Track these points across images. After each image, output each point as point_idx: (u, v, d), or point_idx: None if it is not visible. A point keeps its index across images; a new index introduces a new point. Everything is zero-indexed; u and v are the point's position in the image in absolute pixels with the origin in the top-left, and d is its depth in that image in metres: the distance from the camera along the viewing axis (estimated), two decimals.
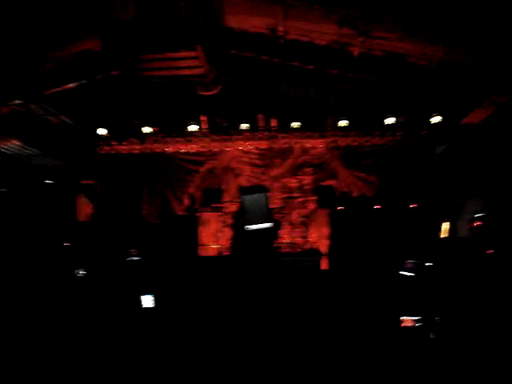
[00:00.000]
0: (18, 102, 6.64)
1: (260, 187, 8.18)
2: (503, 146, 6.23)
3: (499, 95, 6.07)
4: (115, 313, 5.51)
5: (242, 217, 8.04)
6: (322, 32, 5.95)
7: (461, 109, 6.98)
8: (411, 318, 4.27)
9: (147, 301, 5.82)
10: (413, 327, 4.03)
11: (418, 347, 3.97)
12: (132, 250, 6.80)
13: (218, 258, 7.96)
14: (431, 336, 3.45)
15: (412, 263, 5.74)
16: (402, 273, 5.87)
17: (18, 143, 7.14)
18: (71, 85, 6.74)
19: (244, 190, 8.21)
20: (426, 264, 5.44)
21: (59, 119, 7.60)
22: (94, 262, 6.57)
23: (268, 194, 8.74)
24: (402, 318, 4.40)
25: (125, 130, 8.20)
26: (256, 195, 7.82)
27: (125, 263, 6.71)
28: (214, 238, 8.50)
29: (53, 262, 6.23)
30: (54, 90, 6.84)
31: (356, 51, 6.16)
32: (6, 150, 7.25)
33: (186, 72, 6.53)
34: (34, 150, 7.38)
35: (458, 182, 7.46)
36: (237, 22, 6.13)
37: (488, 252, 5.64)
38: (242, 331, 5.14)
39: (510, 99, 6.00)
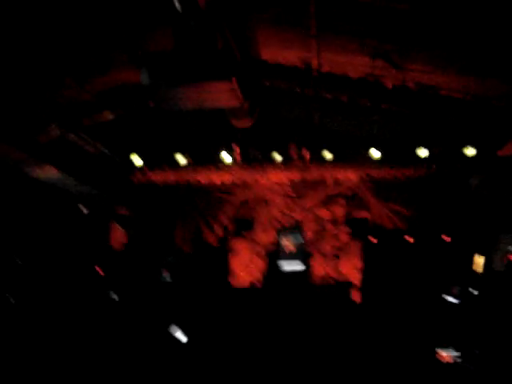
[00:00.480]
0: (56, 131, 6.81)
1: (296, 227, 8.18)
2: None
3: None
4: (143, 338, 5.53)
5: (277, 256, 8.05)
6: (356, 64, 5.99)
7: (496, 141, 6.91)
8: (450, 352, 4.21)
9: (177, 333, 5.84)
10: (451, 362, 3.96)
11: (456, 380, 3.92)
12: (164, 270, 6.86)
13: (249, 289, 7.94)
14: (470, 367, 3.38)
15: (457, 289, 5.67)
16: (446, 297, 5.81)
17: (54, 171, 7.29)
18: (109, 116, 6.90)
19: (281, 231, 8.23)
20: (472, 291, 5.38)
21: (95, 148, 7.75)
22: (126, 288, 6.62)
23: (301, 226, 8.77)
24: (439, 350, 4.35)
25: (159, 159, 8.34)
26: (292, 234, 7.84)
27: (156, 287, 6.73)
28: (245, 269, 8.49)
29: (86, 287, 6.30)
30: (92, 120, 7.03)
31: (389, 83, 6.18)
32: (44, 178, 7.42)
33: (221, 104, 6.63)
34: (71, 178, 7.53)
35: (494, 216, 7.34)
36: (271, 54, 6.22)
37: None
38: (269, 365, 5.12)
39: None
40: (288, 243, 8.03)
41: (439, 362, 4.26)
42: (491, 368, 3.75)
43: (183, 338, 5.73)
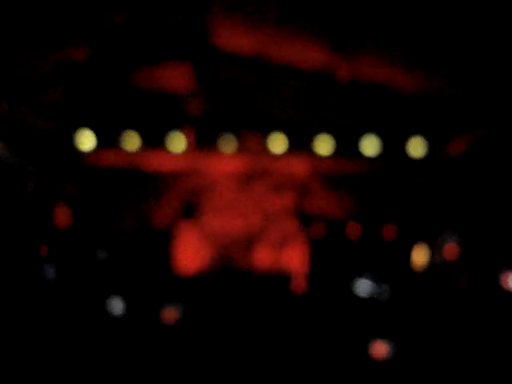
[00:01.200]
0: (5, 106, 6.65)
1: None
2: (479, 178, 6.33)
3: (477, 125, 6.20)
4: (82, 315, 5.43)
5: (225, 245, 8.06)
6: (309, 56, 6.07)
7: (442, 139, 7.10)
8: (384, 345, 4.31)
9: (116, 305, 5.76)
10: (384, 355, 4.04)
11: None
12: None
13: (194, 278, 7.91)
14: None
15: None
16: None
17: (0, 145, 7.12)
18: (57, 91, 6.77)
19: None
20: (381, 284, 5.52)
21: (44, 125, 7.59)
22: (66, 264, 6.52)
23: (250, 215, 8.83)
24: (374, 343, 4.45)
25: (109, 140, 8.22)
26: None
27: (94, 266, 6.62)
28: (191, 256, 8.47)
29: (27, 262, 6.18)
30: (40, 97, 6.88)
31: (341, 76, 6.28)
32: None
33: (175, 87, 6.60)
34: (18, 154, 7.37)
35: (437, 211, 7.54)
36: (226, 42, 6.24)
37: (461, 279, 5.71)
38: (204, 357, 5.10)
39: (485, 133, 6.12)
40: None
41: (372, 356, 4.34)
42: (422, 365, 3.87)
43: (119, 307, 5.68)
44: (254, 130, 8.25)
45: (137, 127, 8.17)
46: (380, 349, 4.28)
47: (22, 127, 7.29)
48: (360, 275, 6.47)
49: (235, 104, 7.67)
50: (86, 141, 7.93)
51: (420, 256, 6.76)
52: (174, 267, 7.76)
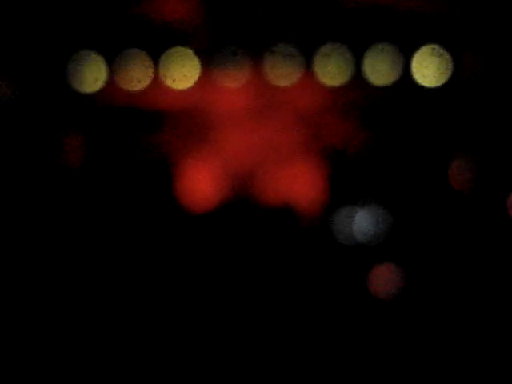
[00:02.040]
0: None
1: None
2: (492, 102, 6.14)
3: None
4: None
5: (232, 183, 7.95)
6: None
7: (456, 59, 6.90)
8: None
9: None
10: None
11: None
12: None
13: (202, 211, 7.88)
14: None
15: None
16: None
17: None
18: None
19: None
20: None
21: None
22: None
23: (258, 150, 8.66)
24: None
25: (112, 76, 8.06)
26: None
27: None
28: (198, 192, 8.39)
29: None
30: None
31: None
32: None
33: (179, 20, 6.42)
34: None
35: (448, 138, 7.36)
36: None
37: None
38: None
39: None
40: None
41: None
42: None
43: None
44: (261, 62, 8.03)
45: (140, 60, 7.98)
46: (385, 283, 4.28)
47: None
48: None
49: (243, 37, 7.45)
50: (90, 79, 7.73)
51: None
52: (181, 204, 7.69)
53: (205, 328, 4.34)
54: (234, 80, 7.15)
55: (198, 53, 6.99)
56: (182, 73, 6.86)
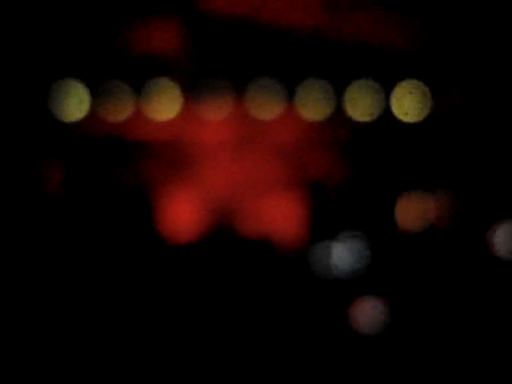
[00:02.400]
0: None
1: None
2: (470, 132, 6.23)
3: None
4: None
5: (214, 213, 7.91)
6: (298, 17, 5.94)
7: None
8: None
9: None
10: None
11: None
12: None
13: (183, 244, 7.80)
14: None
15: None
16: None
17: None
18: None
19: None
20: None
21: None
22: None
23: (239, 184, 8.67)
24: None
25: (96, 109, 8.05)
26: None
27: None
28: (180, 224, 8.33)
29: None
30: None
31: (332, 36, 6.14)
32: None
33: (162, 49, 6.45)
34: None
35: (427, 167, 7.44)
36: (214, 3, 6.10)
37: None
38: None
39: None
40: None
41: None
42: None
43: None
44: (243, 95, 8.08)
45: (124, 93, 7.99)
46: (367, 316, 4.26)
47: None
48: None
49: (226, 69, 7.50)
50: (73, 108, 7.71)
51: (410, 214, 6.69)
52: (163, 235, 7.61)
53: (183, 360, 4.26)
54: (215, 112, 7.19)
55: (180, 84, 7.03)
56: (164, 104, 6.88)
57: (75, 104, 6.87)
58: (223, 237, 7.31)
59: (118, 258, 6.06)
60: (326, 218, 7.96)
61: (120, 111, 7.18)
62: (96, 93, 6.95)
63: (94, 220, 6.89)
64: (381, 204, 7.42)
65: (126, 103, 7.00)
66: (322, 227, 7.58)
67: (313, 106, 7.07)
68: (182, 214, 7.49)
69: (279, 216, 7.58)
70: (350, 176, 7.75)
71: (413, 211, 6.79)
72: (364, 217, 7.50)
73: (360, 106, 6.86)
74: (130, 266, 5.99)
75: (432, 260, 5.37)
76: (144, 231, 7.17)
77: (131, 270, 5.89)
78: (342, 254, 5.85)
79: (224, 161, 8.13)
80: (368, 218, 7.40)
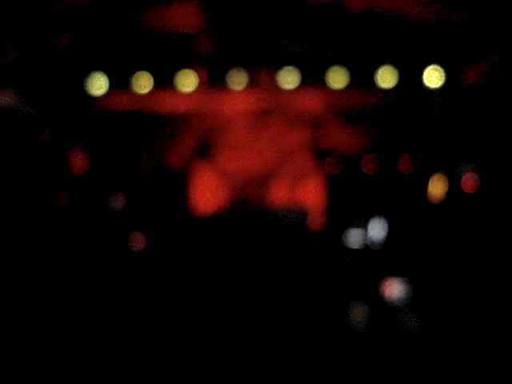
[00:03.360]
0: (13, 53, 6.57)
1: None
2: (497, 108, 6.20)
3: (493, 53, 6.02)
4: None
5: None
6: None
7: (458, 69, 6.94)
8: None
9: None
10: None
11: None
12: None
13: (210, 215, 7.93)
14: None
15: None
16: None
17: (11, 94, 7.08)
18: (64, 37, 6.66)
19: None
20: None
21: (55, 71, 7.52)
22: (86, 213, 6.56)
23: (264, 152, 8.82)
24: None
25: (120, 83, 8.17)
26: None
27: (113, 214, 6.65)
28: (208, 197, 8.48)
29: (47, 212, 6.23)
30: (49, 43, 6.77)
31: (356, 8, 6.09)
32: (1, 103, 7.19)
33: (183, 26, 6.45)
34: (29, 101, 7.32)
35: (454, 144, 7.44)
36: None
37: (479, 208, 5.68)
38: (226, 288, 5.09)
39: (503, 58, 5.96)
40: None
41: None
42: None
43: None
44: (265, 66, 8.13)
45: (147, 68, 8.10)
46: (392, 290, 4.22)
47: (33, 74, 7.23)
48: (374, 213, 6.42)
49: (246, 40, 7.51)
50: (98, 85, 7.91)
51: (437, 188, 6.71)
52: (191, 208, 7.78)
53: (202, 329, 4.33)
54: (238, 83, 7.24)
55: (203, 57, 7.09)
56: (186, 77, 6.97)
57: (99, 82, 7.12)
58: (248, 204, 7.43)
59: (145, 229, 6.18)
60: (346, 186, 7.88)
61: (144, 85, 7.30)
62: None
63: (118, 190, 6.98)
64: (402, 173, 7.39)
65: (148, 79, 7.13)
66: (342, 196, 7.59)
67: (337, 76, 7.09)
68: (207, 184, 7.64)
69: (304, 184, 7.66)
70: (372, 146, 7.79)
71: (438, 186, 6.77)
72: (385, 185, 7.48)
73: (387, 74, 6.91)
74: (158, 238, 6.11)
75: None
76: (172, 202, 7.29)
77: (160, 242, 6.02)
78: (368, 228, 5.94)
79: (248, 129, 8.22)
80: (389, 185, 7.38)
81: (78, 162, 8.28)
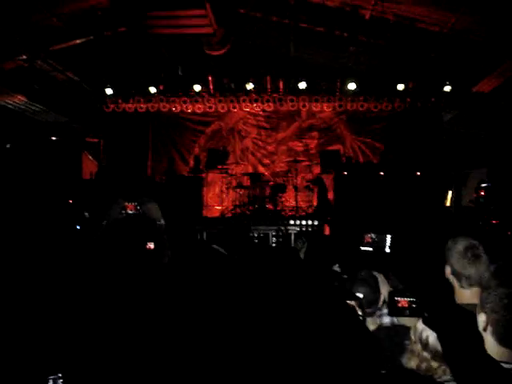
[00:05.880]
0: (23, 57, 6.58)
1: None
2: (510, 115, 6.17)
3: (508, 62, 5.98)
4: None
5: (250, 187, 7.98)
6: None
7: (471, 77, 6.90)
8: (406, 298, 4.14)
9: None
10: (408, 307, 3.87)
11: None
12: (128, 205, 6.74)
13: (221, 219, 7.88)
14: (425, 314, 3.35)
15: (371, 237, 5.68)
16: (362, 248, 5.82)
17: (22, 99, 7.09)
18: (78, 41, 6.67)
19: None
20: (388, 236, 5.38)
21: (65, 76, 7.53)
22: (96, 217, 6.55)
23: (273, 157, 8.84)
24: (396, 298, 4.25)
25: (131, 89, 8.17)
26: None
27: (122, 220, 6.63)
28: (217, 199, 8.45)
29: (56, 217, 6.24)
30: (61, 46, 6.79)
31: (367, 14, 6.07)
32: (11, 105, 7.21)
33: (194, 31, 6.44)
34: (39, 106, 7.35)
35: (465, 151, 7.41)
36: None
37: (493, 222, 5.63)
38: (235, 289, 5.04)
39: None
40: None
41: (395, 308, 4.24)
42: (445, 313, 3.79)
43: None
44: (276, 72, 8.12)
45: (159, 72, 8.11)
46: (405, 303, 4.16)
47: (43, 79, 7.26)
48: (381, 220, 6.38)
49: (257, 46, 7.51)
50: (109, 89, 7.92)
51: (449, 199, 6.69)
52: (202, 210, 7.72)
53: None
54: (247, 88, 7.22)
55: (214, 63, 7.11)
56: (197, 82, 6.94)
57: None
58: (258, 208, 7.39)
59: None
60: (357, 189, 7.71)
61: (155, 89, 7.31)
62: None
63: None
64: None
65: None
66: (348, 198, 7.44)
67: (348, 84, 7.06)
68: (219, 187, 7.63)
69: (312, 186, 7.61)
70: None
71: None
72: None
73: None
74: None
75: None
76: (184, 205, 7.22)
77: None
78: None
79: (257, 134, 8.21)
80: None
81: (89, 165, 8.32)
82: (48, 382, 2.29)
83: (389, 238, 5.62)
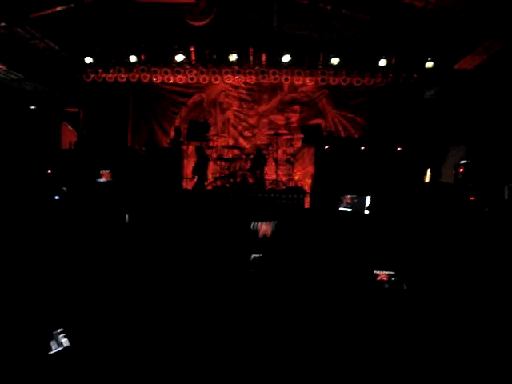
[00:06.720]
0: (2, 24, 6.44)
1: None
2: (492, 94, 6.20)
3: (497, 40, 5.98)
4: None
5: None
6: None
7: (453, 54, 6.90)
8: (385, 272, 4.20)
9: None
10: (388, 281, 3.94)
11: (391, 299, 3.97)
12: (103, 173, 6.66)
13: (201, 192, 7.86)
14: (404, 287, 3.41)
15: (351, 197, 5.75)
16: (341, 209, 5.87)
17: (1, 67, 6.95)
18: (58, 8, 6.53)
19: None
20: (367, 198, 5.40)
21: (45, 44, 7.38)
22: (73, 187, 6.50)
23: (255, 130, 8.80)
24: (376, 271, 4.30)
25: (112, 58, 8.06)
26: None
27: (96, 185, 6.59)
28: (198, 171, 8.42)
29: (34, 187, 6.18)
30: (41, 14, 6.64)
31: None
32: None
33: (177, 0, 6.35)
34: (18, 74, 7.22)
35: (445, 128, 7.45)
36: None
37: (471, 199, 5.68)
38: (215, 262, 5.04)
39: (504, 47, 5.94)
40: None
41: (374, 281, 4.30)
42: (425, 287, 3.85)
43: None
44: (259, 44, 8.06)
45: (140, 41, 8.00)
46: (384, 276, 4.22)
47: (22, 47, 7.12)
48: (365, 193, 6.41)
49: (240, 18, 7.43)
50: (88, 59, 7.81)
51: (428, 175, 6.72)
52: (182, 182, 7.70)
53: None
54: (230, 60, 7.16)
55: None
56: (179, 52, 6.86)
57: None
58: (239, 181, 7.37)
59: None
60: (338, 164, 7.73)
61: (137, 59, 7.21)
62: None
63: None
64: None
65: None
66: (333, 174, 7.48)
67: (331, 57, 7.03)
68: (200, 159, 7.58)
69: (295, 159, 7.62)
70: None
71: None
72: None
73: None
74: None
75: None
76: (164, 178, 7.16)
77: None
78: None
79: (239, 106, 8.17)
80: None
81: (68, 135, 8.23)
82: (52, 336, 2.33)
83: (368, 199, 5.67)
